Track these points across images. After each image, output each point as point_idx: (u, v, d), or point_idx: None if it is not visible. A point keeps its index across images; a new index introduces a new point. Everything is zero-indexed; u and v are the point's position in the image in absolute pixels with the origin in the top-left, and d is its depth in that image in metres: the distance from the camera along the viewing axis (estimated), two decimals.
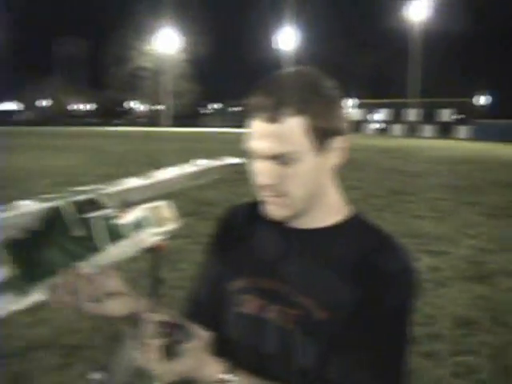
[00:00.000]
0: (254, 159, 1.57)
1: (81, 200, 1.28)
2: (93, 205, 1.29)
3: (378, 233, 1.62)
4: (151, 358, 1.35)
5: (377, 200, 14.23)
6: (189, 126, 76.74)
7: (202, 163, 1.59)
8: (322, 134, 1.52)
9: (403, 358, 1.53)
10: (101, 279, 1.40)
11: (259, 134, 1.52)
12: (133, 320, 1.42)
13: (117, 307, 1.45)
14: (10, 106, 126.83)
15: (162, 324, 1.35)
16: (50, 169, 20.60)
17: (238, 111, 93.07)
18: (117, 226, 1.27)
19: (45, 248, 1.31)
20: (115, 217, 1.28)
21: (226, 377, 1.44)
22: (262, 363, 1.58)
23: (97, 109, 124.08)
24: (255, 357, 1.60)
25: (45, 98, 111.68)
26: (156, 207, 1.31)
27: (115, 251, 1.28)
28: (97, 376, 1.32)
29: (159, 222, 1.29)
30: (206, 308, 1.76)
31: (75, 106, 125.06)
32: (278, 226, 1.66)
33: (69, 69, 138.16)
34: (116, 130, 65.42)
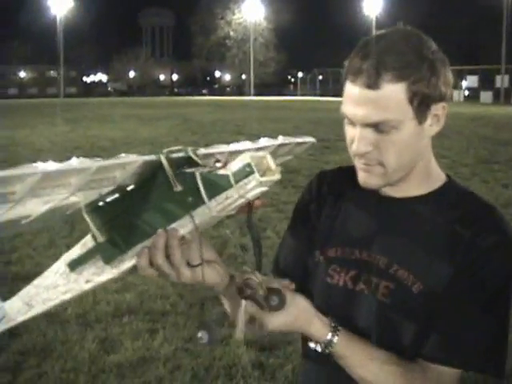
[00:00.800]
0: (348, 125, 1.49)
1: (177, 157, 1.25)
2: (189, 162, 1.26)
3: (477, 201, 1.55)
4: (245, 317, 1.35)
5: (464, 169, 13.88)
6: (275, 95, 76.29)
7: (276, 142, 1.51)
8: (424, 101, 1.43)
9: (505, 332, 1.49)
10: (195, 245, 1.36)
11: (356, 100, 1.43)
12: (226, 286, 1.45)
13: (211, 275, 1.43)
14: (99, 77, 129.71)
15: (259, 285, 1.33)
16: (137, 138, 20.93)
17: (325, 79, 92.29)
18: (216, 177, 1.22)
19: (137, 204, 1.28)
20: (215, 169, 1.24)
21: (330, 337, 1.43)
22: None
23: (184, 79, 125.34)
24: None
25: (132, 68, 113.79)
26: (259, 157, 1.25)
27: (218, 204, 1.24)
28: (204, 335, 1.31)
29: (263, 172, 1.23)
30: (291, 276, 1.66)
31: (162, 76, 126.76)
32: (372, 194, 1.57)
33: (156, 39, 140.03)
34: (203, 100, 65.96)
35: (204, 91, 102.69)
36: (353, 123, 1.47)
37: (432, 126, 1.49)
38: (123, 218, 1.29)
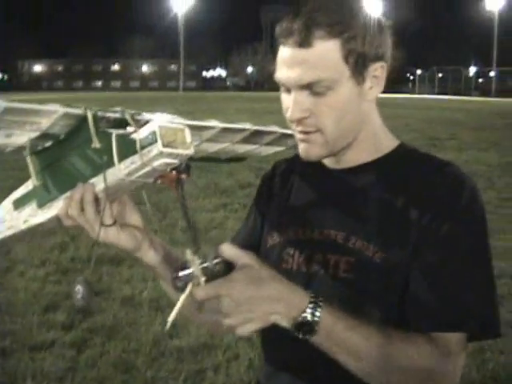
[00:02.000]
0: (283, 92, 1.42)
1: (106, 116, 1.28)
2: (119, 124, 1.28)
3: (433, 160, 1.46)
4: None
5: None
6: (393, 93, 74.92)
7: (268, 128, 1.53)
8: (361, 60, 1.36)
9: (494, 285, 1.38)
10: (116, 206, 1.39)
11: (288, 61, 1.37)
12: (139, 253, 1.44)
13: (124, 238, 1.42)
14: (218, 72, 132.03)
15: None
16: None
17: (444, 77, 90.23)
18: (130, 141, 1.23)
19: (68, 154, 1.33)
20: (132, 133, 1.24)
21: (309, 312, 1.22)
22: None
23: None
24: None
25: (251, 64, 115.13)
26: (173, 128, 1.24)
27: (125, 168, 1.25)
28: (80, 289, 1.32)
29: (171, 143, 1.21)
30: None
31: None
32: (318, 169, 1.50)
33: (274, 35, 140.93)
34: None
35: None
36: (288, 90, 1.40)
37: (372, 88, 1.42)
38: (57, 165, 1.34)
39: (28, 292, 5.78)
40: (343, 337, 1.26)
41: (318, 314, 1.23)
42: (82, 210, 1.33)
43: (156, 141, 1.19)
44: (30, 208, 1.40)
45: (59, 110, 1.22)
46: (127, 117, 1.26)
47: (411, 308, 1.35)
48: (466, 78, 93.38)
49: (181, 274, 1.17)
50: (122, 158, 1.24)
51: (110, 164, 1.25)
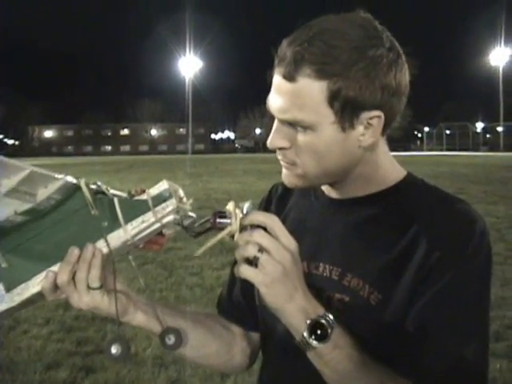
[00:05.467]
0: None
1: (93, 188, 1.26)
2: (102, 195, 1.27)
3: (443, 195, 1.33)
4: None
5: None
6: (402, 151, 74.92)
7: None
8: (349, 106, 1.22)
9: (487, 342, 1.29)
10: (104, 272, 1.24)
11: (274, 89, 1.27)
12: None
13: (110, 302, 1.27)
14: (226, 134, 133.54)
15: None
16: (252, 190, 21.05)
17: (452, 134, 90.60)
18: (134, 202, 1.23)
19: (53, 233, 1.25)
20: (134, 195, 1.24)
21: (327, 317, 1.20)
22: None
23: None
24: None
25: (259, 126, 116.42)
26: (174, 187, 1.25)
27: (133, 228, 1.23)
28: (118, 348, 1.25)
29: (178, 200, 1.23)
30: (245, 304, 1.59)
31: None
32: (318, 198, 1.42)
33: None
34: None
35: None
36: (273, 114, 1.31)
37: (365, 135, 1.27)
38: (33, 243, 1.25)
39: (31, 350, 5.71)
40: (348, 353, 1.21)
41: (332, 319, 1.20)
42: (73, 277, 1.21)
43: (171, 197, 1.21)
44: None
45: (61, 177, 1.20)
46: (104, 190, 1.26)
47: (400, 355, 1.26)
48: (474, 134, 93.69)
49: (219, 220, 1.23)
50: (127, 220, 1.23)
51: (113, 228, 1.23)
